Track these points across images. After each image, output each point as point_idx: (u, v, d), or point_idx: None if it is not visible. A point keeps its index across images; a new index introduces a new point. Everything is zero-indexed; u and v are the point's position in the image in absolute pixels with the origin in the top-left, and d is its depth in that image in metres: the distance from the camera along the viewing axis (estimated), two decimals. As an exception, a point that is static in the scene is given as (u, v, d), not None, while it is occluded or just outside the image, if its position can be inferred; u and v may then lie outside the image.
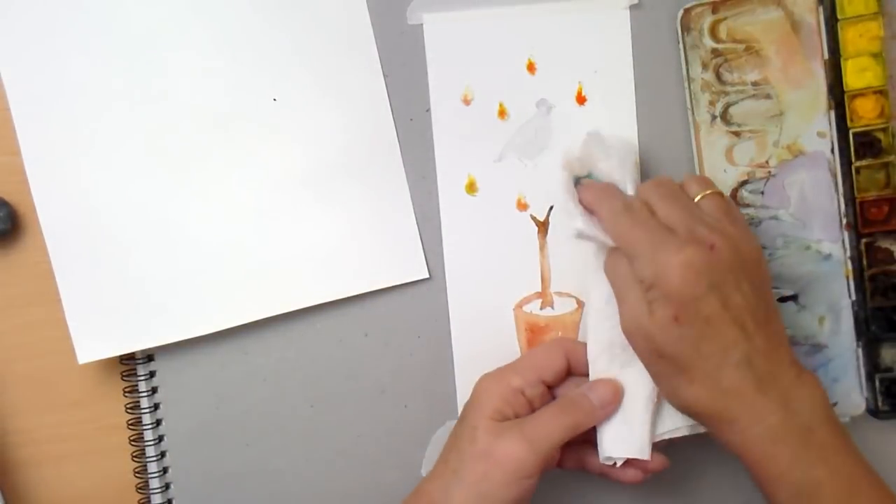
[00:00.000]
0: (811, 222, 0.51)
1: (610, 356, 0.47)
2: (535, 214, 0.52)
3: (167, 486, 0.53)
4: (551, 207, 0.52)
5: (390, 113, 0.52)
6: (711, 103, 0.51)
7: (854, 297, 0.51)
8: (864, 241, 0.50)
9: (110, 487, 0.54)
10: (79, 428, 0.54)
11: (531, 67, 0.52)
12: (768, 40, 0.50)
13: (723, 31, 0.50)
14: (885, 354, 0.51)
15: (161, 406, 0.53)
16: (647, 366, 0.44)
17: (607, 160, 0.49)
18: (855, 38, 0.49)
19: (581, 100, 0.52)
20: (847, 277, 0.51)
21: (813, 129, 0.50)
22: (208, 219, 0.51)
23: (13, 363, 0.53)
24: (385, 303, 0.53)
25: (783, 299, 0.51)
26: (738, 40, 0.50)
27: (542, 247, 0.52)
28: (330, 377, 0.53)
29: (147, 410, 0.53)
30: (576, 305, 0.53)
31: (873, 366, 0.51)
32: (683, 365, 0.42)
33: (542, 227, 0.52)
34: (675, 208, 0.44)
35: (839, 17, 0.49)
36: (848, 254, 0.51)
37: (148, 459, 0.53)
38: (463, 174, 0.52)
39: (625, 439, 0.46)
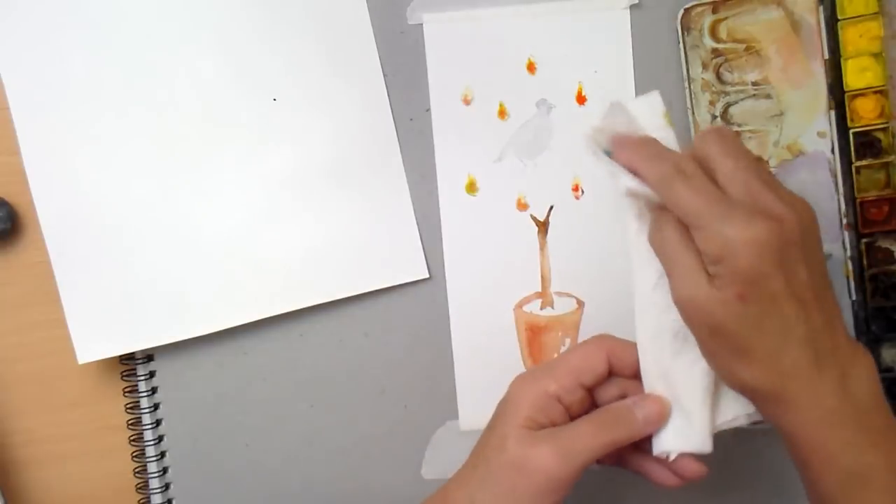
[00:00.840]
0: (811, 222, 0.51)
1: (659, 345, 0.43)
2: (535, 214, 0.52)
3: (167, 486, 0.53)
4: (551, 207, 0.52)
5: (390, 113, 0.52)
6: (712, 103, 0.51)
7: (854, 297, 0.51)
8: (864, 241, 0.50)
9: (110, 487, 0.54)
10: (79, 428, 0.54)
11: (531, 67, 0.52)
12: (768, 40, 0.50)
13: (723, 31, 0.50)
14: (885, 354, 0.51)
15: (161, 406, 0.53)
16: (701, 343, 0.41)
17: (630, 126, 0.43)
18: (855, 38, 0.49)
19: (581, 100, 0.52)
20: (847, 277, 0.51)
21: (813, 129, 0.50)
22: (208, 218, 0.51)
23: (13, 363, 0.53)
24: (385, 303, 0.53)
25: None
26: (738, 40, 0.50)
27: (542, 247, 0.52)
28: (330, 377, 0.53)
29: (147, 410, 0.53)
30: (576, 305, 0.53)
31: (873, 366, 0.51)
32: (743, 343, 0.39)
33: (542, 227, 0.52)
34: (738, 170, 0.39)
35: (839, 17, 0.49)
36: (848, 254, 0.51)
37: (148, 459, 0.53)
38: (463, 174, 0.52)
39: (683, 432, 0.43)
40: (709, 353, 0.41)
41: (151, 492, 0.53)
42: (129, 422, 0.53)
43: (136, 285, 0.51)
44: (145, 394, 0.53)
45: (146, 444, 0.53)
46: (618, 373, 0.45)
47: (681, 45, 0.51)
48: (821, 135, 0.50)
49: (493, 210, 0.52)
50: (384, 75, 0.52)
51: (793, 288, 0.39)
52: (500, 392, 0.47)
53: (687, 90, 0.51)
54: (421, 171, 0.52)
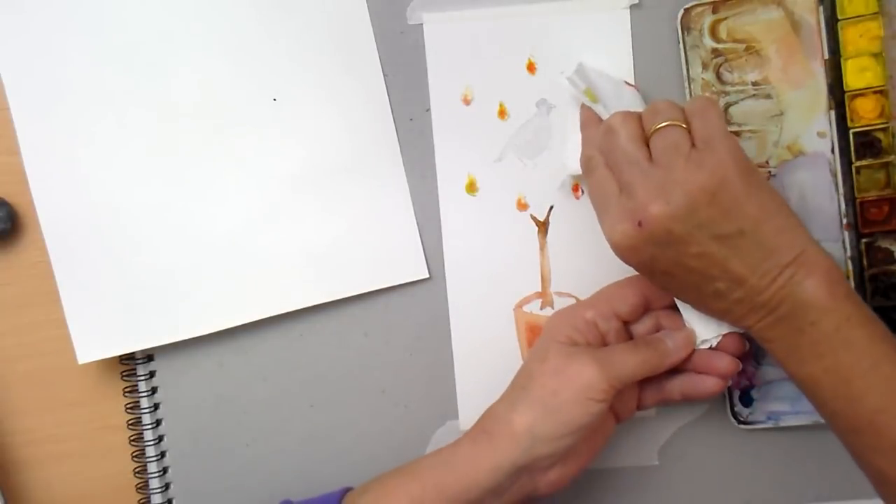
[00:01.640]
0: (811, 222, 0.50)
1: None
2: (535, 214, 0.52)
3: (167, 486, 0.53)
4: (551, 207, 0.52)
5: (390, 113, 0.52)
6: (711, 103, 0.51)
7: (854, 297, 0.51)
8: (864, 241, 0.50)
9: (110, 487, 0.54)
10: (79, 428, 0.54)
11: (531, 67, 0.52)
12: (768, 40, 0.50)
13: (723, 31, 0.50)
14: (885, 354, 0.51)
15: (161, 406, 0.53)
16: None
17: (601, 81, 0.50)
18: (855, 38, 0.49)
19: (581, 100, 0.52)
20: (847, 277, 0.51)
21: (813, 129, 0.50)
22: (208, 219, 0.51)
23: (13, 363, 0.53)
24: (385, 303, 0.53)
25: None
26: (738, 40, 0.50)
27: (542, 247, 0.52)
28: (330, 377, 0.53)
29: (147, 410, 0.53)
30: (576, 305, 0.53)
31: (873, 366, 0.51)
32: (684, 298, 0.46)
33: (542, 226, 0.52)
34: (615, 169, 0.44)
35: (839, 17, 0.49)
36: (848, 254, 0.51)
37: (148, 459, 0.53)
38: (463, 174, 0.52)
39: (716, 323, 0.47)
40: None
41: (151, 492, 0.53)
42: (129, 422, 0.53)
43: (137, 285, 0.51)
44: (145, 394, 0.53)
45: (146, 444, 0.53)
46: (652, 305, 0.48)
47: (681, 45, 0.51)
48: (821, 135, 0.50)
49: (493, 210, 0.52)
50: (384, 75, 0.52)
51: (689, 260, 0.42)
52: (500, 392, 0.47)
53: (687, 90, 0.51)
54: (421, 171, 0.52)
